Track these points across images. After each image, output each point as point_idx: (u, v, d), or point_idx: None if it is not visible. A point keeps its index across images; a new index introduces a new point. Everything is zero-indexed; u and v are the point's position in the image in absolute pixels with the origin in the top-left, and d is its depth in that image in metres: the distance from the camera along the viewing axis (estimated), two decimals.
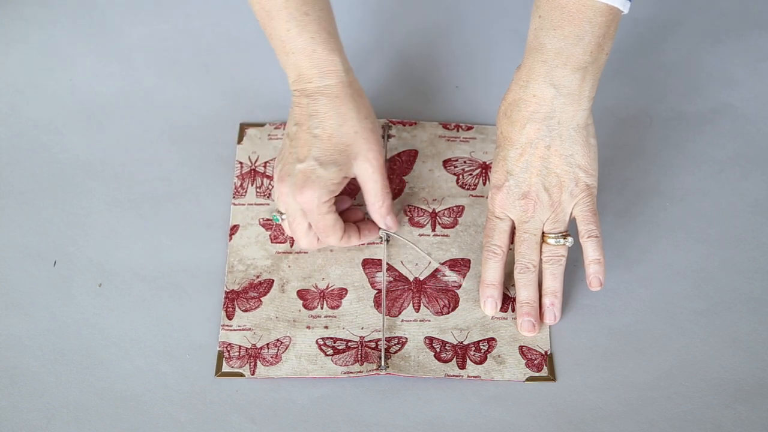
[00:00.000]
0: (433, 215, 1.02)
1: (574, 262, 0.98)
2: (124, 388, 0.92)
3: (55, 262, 0.99)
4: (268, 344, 0.94)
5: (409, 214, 1.02)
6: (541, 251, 0.94)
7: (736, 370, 0.92)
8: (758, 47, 1.14)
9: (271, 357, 0.93)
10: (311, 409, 0.91)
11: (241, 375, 0.92)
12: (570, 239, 0.94)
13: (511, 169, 0.93)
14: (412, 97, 1.12)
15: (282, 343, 0.94)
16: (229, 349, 0.94)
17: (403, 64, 1.14)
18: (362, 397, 0.91)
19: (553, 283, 0.95)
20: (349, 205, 1.01)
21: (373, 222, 1.00)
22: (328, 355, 0.93)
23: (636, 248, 1.00)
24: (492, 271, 0.95)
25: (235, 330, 0.95)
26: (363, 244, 1.00)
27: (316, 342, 0.94)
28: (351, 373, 0.92)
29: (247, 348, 0.94)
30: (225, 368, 0.93)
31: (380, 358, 0.93)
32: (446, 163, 1.06)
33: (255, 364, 0.93)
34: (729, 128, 1.08)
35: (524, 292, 0.95)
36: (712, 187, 1.04)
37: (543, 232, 0.94)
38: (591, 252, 0.94)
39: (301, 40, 0.94)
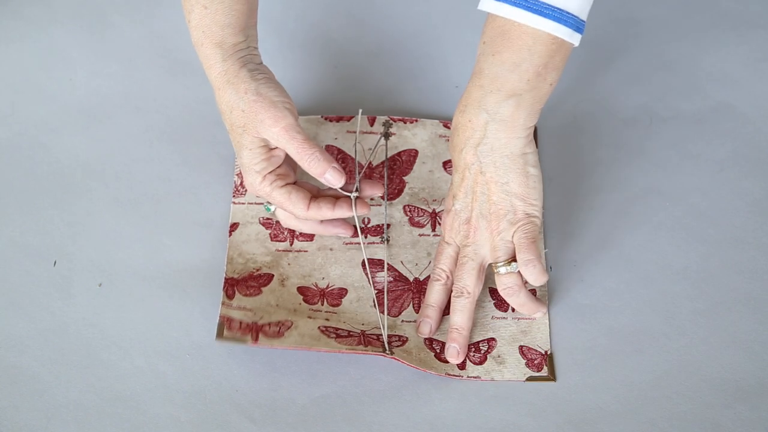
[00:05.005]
0: (433, 215, 1.02)
1: (573, 262, 0.98)
2: (124, 388, 0.91)
3: (55, 262, 0.99)
4: (269, 323, 0.93)
5: (409, 214, 1.02)
6: (481, 280, 0.93)
7: (736, 370, 0.92)
8: (758, 47, 1.14)
9: (274, 333, 0.92)
10: (311, 409, 0.91)
11: (244, 341, 0.90)
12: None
13: (456, 193, 0.93)
14: (412, 96, 1.12)
15: (284, 324, 0.93)
16: (230, 321, 0.92)
17: (403, 64, 1.14)
18: (362, 397, 0.91)
19: (528, 311, 0.94)
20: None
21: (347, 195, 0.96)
22: (331, 338, 0.92)
23: (636, 248, 1.00)
24: (434, 294, 0.95)
25: (235, 308, 0.94)
26: (346, 226, 0.99)
27: (319, 328, 0.93)
28: (356, 350, 0.91)
29: (248, 323, 0.92)
30: (227, 334, 0.91)
31: (384, 344, 0.92)
32: (446, 164, 1.06)
33: (257, 336, 0.91)
34: (729, 128, 1.08)
35: (456, 317, 0.93)
36: (712, 187, 1.04)
37: (491, 264, 0.93)
38: (529, 278, 0.92)
39: (195, 33, 0.92)
